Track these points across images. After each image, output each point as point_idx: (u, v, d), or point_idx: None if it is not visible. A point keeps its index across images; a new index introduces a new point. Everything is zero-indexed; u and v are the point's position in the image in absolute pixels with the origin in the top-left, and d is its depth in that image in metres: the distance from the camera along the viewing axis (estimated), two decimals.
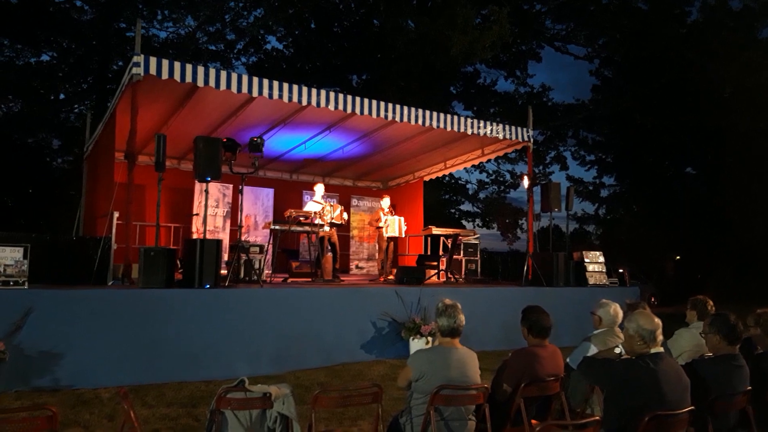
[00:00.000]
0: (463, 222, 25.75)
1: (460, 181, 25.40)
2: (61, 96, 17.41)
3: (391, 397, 4.83)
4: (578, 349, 3.96)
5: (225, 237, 11.20)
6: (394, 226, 10.24)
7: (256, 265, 8.02)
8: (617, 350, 3.47)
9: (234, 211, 11.12)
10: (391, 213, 10.55)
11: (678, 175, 26.20)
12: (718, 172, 22.84)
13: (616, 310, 4.11)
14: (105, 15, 15.97)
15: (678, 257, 26.29)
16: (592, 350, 3.82)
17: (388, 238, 10.35)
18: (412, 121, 8.87)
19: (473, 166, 23.38)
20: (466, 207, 26.43)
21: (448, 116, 9.32)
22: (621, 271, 11.26)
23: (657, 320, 2.92)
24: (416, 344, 7.17)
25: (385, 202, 10.66)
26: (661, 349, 2.88)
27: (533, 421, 3.25)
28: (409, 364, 3.18)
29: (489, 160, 24.69)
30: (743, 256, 22.27)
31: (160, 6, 17.06)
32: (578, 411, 3.75)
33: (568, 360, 3.92)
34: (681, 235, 23.93)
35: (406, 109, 8.80)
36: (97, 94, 16.50)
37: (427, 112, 9.02)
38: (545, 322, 3.47)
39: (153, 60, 6.74)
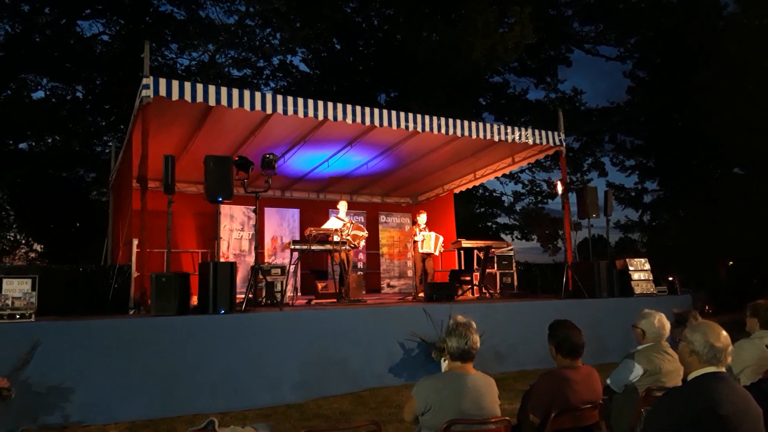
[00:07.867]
0: (501, 235, 25.00)
1: (494, 194, 24.78)
2: (92, 129, 17.77)
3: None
4: (620, 369, 3.43)
5: (251, 260, 10.98)
6: (429, 242, 9.81)
7: (278, 288, 7.73)
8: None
9: (258, 234, 10.97)
10: (427, 230, 10.12)
11: (726, 175, 24.90)
12: None
13: (662, 320, 3.53)
14: (129, 46, 16.27)
15: (731, 262, 24.86)
16: (637, 369, 3.30)
17: (422, 254, 9.94)
18: (435, 131, 8.50)
19: (505, 176, 22.89)
20: (503, 220, 25.77)
21: (473, 123, 8.92)
22: (671, 279, 10.48)
23: (726, 334, 2.37)
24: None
25: (422, 218, 10.20)
26: (722, 369, 2.35)
27: None
28: (413, 395, 2.73)
29: (523, 171, 24.32)
30: None
31: (187, 34, 17.28)
32: None
33: (608, 381, 3.40)
34: (733, 239, 22.62)
35: (427, 118, 8.45)
36: (125, 124, 16.84)
37: (450, 120, 8.64)
38: (576, 338, 2.93)
39: (162, 81, 6.60)
